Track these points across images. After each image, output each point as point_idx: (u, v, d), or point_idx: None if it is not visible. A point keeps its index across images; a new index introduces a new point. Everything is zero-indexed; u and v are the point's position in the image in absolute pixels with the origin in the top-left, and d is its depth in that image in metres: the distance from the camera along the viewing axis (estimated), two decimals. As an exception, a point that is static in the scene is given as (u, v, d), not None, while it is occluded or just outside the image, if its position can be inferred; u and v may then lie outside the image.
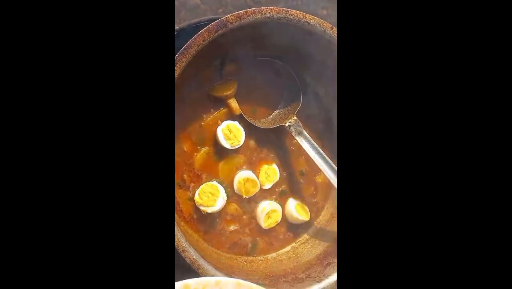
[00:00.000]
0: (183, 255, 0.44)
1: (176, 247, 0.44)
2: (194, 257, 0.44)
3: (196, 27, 0.53)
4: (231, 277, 0.46)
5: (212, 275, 0.45)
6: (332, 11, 0.67)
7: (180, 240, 0.44)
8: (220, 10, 0.64)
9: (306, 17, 0.49)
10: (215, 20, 0.46)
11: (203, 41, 0.45)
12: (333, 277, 0.52)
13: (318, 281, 0.53)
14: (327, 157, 0.53)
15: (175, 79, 0.45)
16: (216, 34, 0.46)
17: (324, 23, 0.50)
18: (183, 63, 0.45)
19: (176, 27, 0.55)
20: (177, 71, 0.45)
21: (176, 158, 0.53)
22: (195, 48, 0.45)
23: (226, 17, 0.46)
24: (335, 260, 0.54)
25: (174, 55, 0.45)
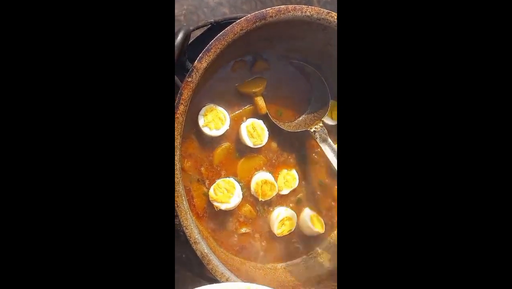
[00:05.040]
0: (194, 247, 0.41)
1: (188, 238, 0.41)
2: (206, 251, 0.41)
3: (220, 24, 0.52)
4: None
5: (221, 273, 0.42)
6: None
7: (193, 231, 0.41)
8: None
9: (346, 21, 0.48)
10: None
11: (240, 30, 0.44)
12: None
13: (329, 298, 0.50)
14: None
15: (208, 64, 0.44)
16: (254, 25, 0.45)
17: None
18: (218, 50, 0.44)
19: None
20: (211, 56, 0.44)
21: (195, 151, 0.51)
22: (232, 36, 0.44)
23: (267, 10, 0.45)
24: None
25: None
